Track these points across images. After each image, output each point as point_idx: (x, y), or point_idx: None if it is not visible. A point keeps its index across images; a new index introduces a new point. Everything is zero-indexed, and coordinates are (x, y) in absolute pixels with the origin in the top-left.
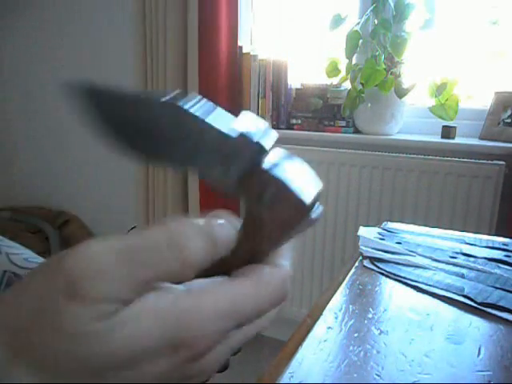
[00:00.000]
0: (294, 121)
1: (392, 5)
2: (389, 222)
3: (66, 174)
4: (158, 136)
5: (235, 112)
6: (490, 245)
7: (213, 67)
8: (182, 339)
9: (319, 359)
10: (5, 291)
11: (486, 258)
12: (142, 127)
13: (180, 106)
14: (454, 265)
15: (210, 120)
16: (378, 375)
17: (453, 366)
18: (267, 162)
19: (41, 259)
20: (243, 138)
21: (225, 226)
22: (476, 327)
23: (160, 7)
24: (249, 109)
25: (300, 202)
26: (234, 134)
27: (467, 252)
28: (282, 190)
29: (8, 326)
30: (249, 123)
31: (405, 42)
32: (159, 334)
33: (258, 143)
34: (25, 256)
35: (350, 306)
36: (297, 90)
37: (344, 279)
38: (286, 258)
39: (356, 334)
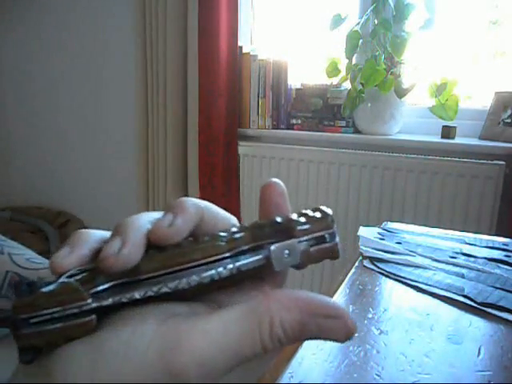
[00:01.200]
0: (294, 121)
1: (392, 5)
2: (389, 222)
3: (65, 173)
4: None
5: (235, 112)
6: (490, 245)
7: (213, 67)
8: None
9: (319, 359)
10: (8, 291)
11: (486, 258)
12: None
13: None
14: (454, 265)
15: None
16: (378, 375)
17: (453, 366)
18: None
19: (42, 259)
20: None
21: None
22: (476, 327)
23: (160, 7)
24: (249, 109)
25: (336, 254)
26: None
27: (467, 252)
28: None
29: None
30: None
31: (405, 41)
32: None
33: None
34: (27, 256)
35: (350, 306)
36: (297, 90)
37: (344, 279)
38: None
39: (356, 334)
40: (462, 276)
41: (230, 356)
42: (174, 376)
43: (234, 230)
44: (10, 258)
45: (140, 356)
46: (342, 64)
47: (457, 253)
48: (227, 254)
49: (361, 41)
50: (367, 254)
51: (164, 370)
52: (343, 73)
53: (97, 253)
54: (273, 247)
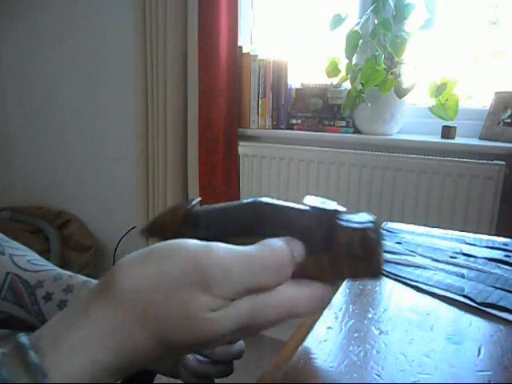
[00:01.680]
0: (294, 121)
1: (392, 5)
2: (389, 222)
3: (65, 173)
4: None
5: (235, 112)
6: (490, 245)
7: (213, 67)
8: (250, 329)
9: (319, 359)
10: (7, 292)
11: (486, 258)
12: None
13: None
14: (454, 265)
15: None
16: (378, 375)
17: (453, 366)
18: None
19: (43, 261)
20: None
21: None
22: (476, 327)
23: (160, 7)
24: (249, 109)
25: (378, 269)
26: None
27: (467, 252)
28: (373, 256)
29: (139, 297)
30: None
31: (405, 42)
32: (237, 328)
33: (331, 210)
34: (28, 258)
35: (350, 306)
36: (297, 90)
37: (344, 279)
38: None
39: (356, 334)
40: (462, 276)
41: (247, 272)
42: (201, 273)
43: None
44: (11, 259)
45: (179, 255)
46: (342, 64)
47: (457, 253)
48: None
49: (361, 41)
50: None
51: (194, 268)
52: (343, 73)
53: None
54: None
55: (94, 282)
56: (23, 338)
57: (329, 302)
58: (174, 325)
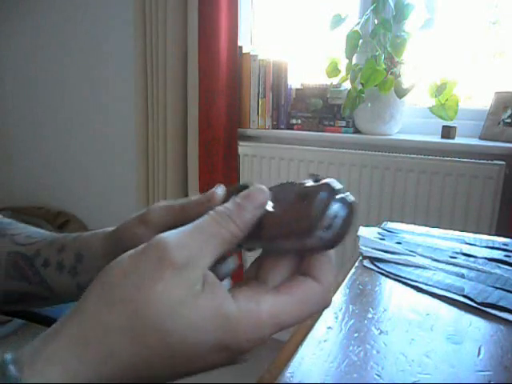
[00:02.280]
0: (294, 121)
1: (392, 5)
2: (389, 222)
3: (65, 173)
4: None
5: (235, 112)
6: (490, 245)
7: (213, 67)
8: (230, 343)
9: (319, 359)
10: (9, 271)
11: (486, 258)
12: None
13: None
14: (454, 265)
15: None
16: (378, 375)
17: (453, 366)
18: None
19: (40, 233)
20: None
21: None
22: (476, 327)
23: (160, 7)
24: (249, 109)
25: (309, 222)
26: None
27: (467, 252)
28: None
29: (112, 300)
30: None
31: (405, 42)
32: (213, 336)
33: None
34: (27, 234)
35: (350, 306)
36: (297, 90)
37: (344, 279)
38: (328, 272)
39: (356, 334)
40: (462, 276)
41: (205, 234)
42: (167, 257)
43: None
44: (10, 240)
45: (144, 254)
46: (342, 64)
47: (457, 253)
48: None
49: (361, 41)
50: (367, 254)
51: (159, 257)
52: (343, 73)
53: None
54: None
55: (85, 234)
56: (9, 354)
57: (321, 306)
58: (157, 325)
